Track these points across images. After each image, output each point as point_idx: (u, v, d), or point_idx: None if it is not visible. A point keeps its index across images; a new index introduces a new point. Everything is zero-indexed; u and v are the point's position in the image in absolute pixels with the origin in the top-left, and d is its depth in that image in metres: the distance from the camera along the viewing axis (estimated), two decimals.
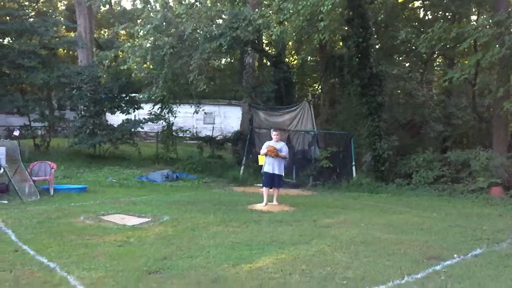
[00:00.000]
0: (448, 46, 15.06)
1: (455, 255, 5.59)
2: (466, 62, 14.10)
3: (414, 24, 20.73)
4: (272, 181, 9.94)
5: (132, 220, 7.84)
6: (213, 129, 29.06)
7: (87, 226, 7.25)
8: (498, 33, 11.69)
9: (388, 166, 15.54)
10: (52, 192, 10.79)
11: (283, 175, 10.19)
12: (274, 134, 10.10)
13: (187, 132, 18.99)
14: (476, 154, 14.34)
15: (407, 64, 21.15)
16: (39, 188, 10.78)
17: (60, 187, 11.53)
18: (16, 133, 11.17)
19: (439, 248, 6.04)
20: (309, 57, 20.29)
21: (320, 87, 22.41)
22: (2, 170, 10.00)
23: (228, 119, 28.51)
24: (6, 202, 9.38)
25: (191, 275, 4.76)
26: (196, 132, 26.68)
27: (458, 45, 12.44)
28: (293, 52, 22.09)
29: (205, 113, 27.39)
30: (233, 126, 27.39)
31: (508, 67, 12.93)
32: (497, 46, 11.41)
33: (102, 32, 32.33)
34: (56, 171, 12.44)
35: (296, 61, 20.32)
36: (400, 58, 21.77)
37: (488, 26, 11.86)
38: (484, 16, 11.64)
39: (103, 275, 4.68)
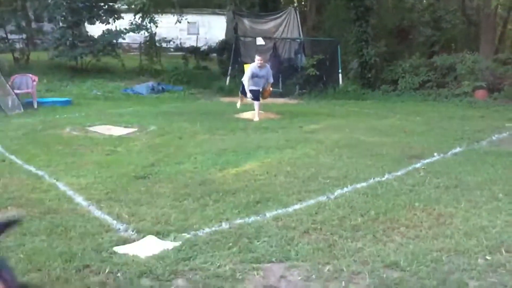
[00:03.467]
0: None
1: (435, 154, 5.76)
2: None
3: None
4: (258, 93, 9.70)
5: (119, 131, 7.86)
6: (197, 40, 28.31)
7: (74, 137, 7.27)
8: None
9: (374, 72, 15.47)
10: (35, 105, 10.68)
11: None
12: (257, 59, 9.64)
13: (171, 42, 18.39)
14: (463, 58, 14.31)
15: None
16: (23, 102, 10.62)
17: (44, 100, 11.38)
18: None
19: (420, 148, 6.21)
20: None
21: None
22: None
23: (212, 29, 27.60)
24: None
25: (179, 179, 4.87)
26: (180, 43, 25.99)
27: None
28: None
29: (189, 22, 26.47)
30: (218, 36, 26.60)
31: None
32: None
33: None
34: (38, 84, 12.22)
35: None
36: None
37: None
38: None
39: (92, 181, 4.77)
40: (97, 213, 3.81)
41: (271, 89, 10.02)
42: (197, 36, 27.32)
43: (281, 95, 14.41)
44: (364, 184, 4.56)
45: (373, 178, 4.70)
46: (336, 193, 4.28)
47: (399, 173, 4.91)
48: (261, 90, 9.66)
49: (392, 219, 3.61)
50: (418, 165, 5.23)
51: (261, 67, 9.64)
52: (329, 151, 6.18)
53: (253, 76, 9.54)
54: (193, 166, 5.49)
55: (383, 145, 6.45)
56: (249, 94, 9.56)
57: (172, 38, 20.97)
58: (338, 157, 5.78)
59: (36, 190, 4.38)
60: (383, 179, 4.73)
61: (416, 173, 4.91)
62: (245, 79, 9.60)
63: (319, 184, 4.61)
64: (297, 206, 3.97)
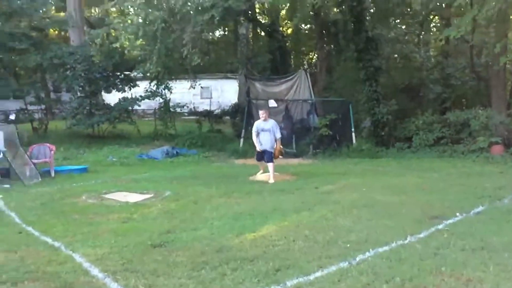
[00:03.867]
0: (443, 4, 14.78)
1: (457, 214, 5.62)
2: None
3: None
4: (262, 155, 9.83)
5: (134, 197, 7.85)
6: (210, 104, 28.93)
7: (90, 205, 7.27)
8: None
9: (387, 130, 15.52)
10: (53, 174, 10.80)
11: (273, 151, 9.85)
12: (261, 113, 9.94)
13: (185, 107, 18.83)
14: (476, 113, 14.31)
15: (403, 27, 20.83)
16: (40, 171, 10.77)
17: (61, 168, 11.53)
18: (12, 117, 11.12)
19: (441, 207, 6.07)
20: (303, 25, 19.97)
21: (316, 54, 22.18)
22: (1, 154, 9.98)
23: (225, 92, 28.30)
24: (8, 186, 9.37)
25: (196, 246, 4.78)
26: (194, 107, 26.59)
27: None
28: (287, 21, 21.69)
29: (202, 87, 27.21)
30: (231, 99, 27.19)
31: (505, 21, 12.76)
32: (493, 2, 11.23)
33: (92, 11, 31.88)
34: (56, 153, 12.43)
35: (290, 29, 19.96)
36: (398, 21, 21.46)
37: None
38: None
39: (108, 251, 4.70)
40: (113, 285, 3.73)
41: (281, 147, 10.00)
42: (210, 100, 27.97)
43: (295, 156, 14.44)
44: (386, 248, 4.42)
45: (395, 242, 4.56)
46: (358, 259, 4.14)
47: (421, 235, 4.77)
48: (272, 150, 9.73)
49: (419, 286, 3.46)
50: (440, 226, 5.08)
51: (265, 120, 9.83)
52: (347, 212, 6.08)
53: (259, 130, 9.76)
54: (210, 232, 5.41)
55: (402, 204, 6.33)
56: (259, 155, 9.76)
57: (186, 103, 21.50)
58: (357, 219, 5.67)
59: (53, 262, 4.32)
60: (406, 242, 4.59)
61: (440, 235, 4.76)
62: (253, 137, 9.82)
63: (340, 248, 4.49)
64: (318, 274, 3.83)
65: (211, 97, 30.30)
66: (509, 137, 13.52)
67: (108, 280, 3.85)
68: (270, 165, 9.47)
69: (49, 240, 5.16)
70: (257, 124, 9.89)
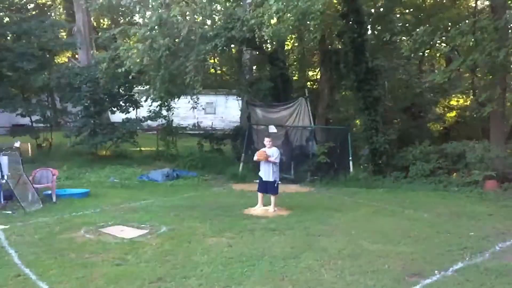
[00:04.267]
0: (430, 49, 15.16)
1: (436, 271, 5.84)
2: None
3: (411, 11, 20.62)
4: (266, 187, 10.16)
5: (130, 233, 8.12)
6: (214, 120, 29.32)
7: (87, 241, 7.54)
8: (480, 39, 11.80)
9: (385, 159, 15.74)
10: (54, 199, 11.10)
11: (277, 180, 10.29)
12: (267, 141, 10.31)
13: (187, 128, 19.20)
14: (472, 146, 14.52)
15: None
16: (42, 195, 11.10)
17: (62, 192, 11.82)
18: (17, 144, 11.44)
19: (422, 262, 6.29)
20: (306, 51, 20.32)
21: (319, 77, 22.48)
22: (4, 180, 10.30)
23: (228, 108, 28.68)
24: (10, 212, 9.69)
25: None
26: (197, 122, 26.91)
27: (442, 47, 12.56)
28: (294, 45, 22.04)
29: (206, 103, 27.60)
30: (234, 115, 27.60)
31: (491, 73, 13.09)
32: (477, 52, 11.57)
33: (101, 24, 32.42)
34: (59, 171, 12.76)
35: (293, 52, 20.31)
36: (397, 46, 21.78)
37: (471, 33, 11.92)
38: (467, 22, 11.68)
39: None
40: None
41: (267, 155, 10.19)
42: (214, 116, 28.39)
43: (293, 182, 14.73)
44: None
45: None
46: None
47: None
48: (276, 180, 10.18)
49: None
50: (417, 287, 5.30)
51: (270, 148, 10.19)
52: (332, 263, 6.31)
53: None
54: (198, 282, 5.66)
55: (386, 256, 6.55)
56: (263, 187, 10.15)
57: (189, 119, 21.85)
58: (340, 272, 5.90)
59: None
60: None
61: None
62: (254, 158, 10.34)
63: None
64: None
65: (215, 113, 30.73)
66: (504, 172, 13.70)
67: None
68: (273, 197, 9.98)
69: (45, 287, 5.43)
70: (272, 152, 10.16)
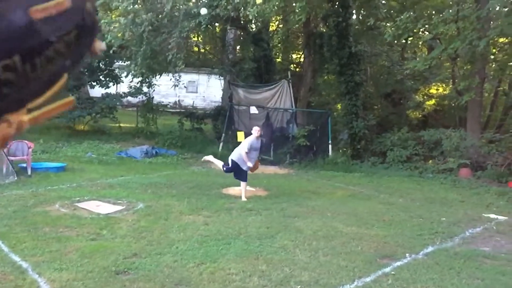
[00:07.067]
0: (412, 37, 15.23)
1: (407, 254, 5.99)
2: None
3: None
4: (232, 171, 9.73)
5: (106, 208, 8.08)
6: (195, 99, 29.08)
7: (62, 215, 7.47)
8: (462, 28, 11.92)
9: (364, 144, 15.93)
10: (29, 172, 10.92)
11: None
12: (256, 130, 9.66)
13: (169, 105, 19.05)
14: (448, 134, 14.79)
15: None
16: (17, 167, 10.91)
17: (38, 165, 11.63)
18: None
19: (394, 245, 6.43)
20: (290, 33, 20.22)
21: (302, 60, 22.44)
22: None
23: (210, 88, 28.45)
24: None
25: (157, 276, 5.06)
26: (178, 100, 26.69)
27: (425, 35, 12.63)
28: (279, 26, 21.88)
29: (188, 81, 27.36)
30: (215, 95, 27.44)
31: (471, 62, 13.25)
32: (458, 41, 11.69)
33: None
34: (35, 144, 12.53)
35: (277, 34, 20.18)
36: (381, 32, 21.85)
37: (454, 21, 12.02)
38: (450, 11, 11.76)
39: (73, 276, 4.95)
40: None
41: (258, 163, 10.21)
42: (196, 95, 28.14)
43: (271, 163, 14.78)
44: None
45: (343, 286, 4.90)
46: None
47: (368, 279, 5.11)
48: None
49: None
50: (388, 269, 5.43)
51: (258, 138, 9.61)
52: (307, 243, 6.41)
53: (252, 149, 9.44)
54: (173, 258, 5.68)
55: (360, 239, 6.67)
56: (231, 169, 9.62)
57: (171, 98, 21.65)
58: (314, 253, 5.99)
59: None
60: (352, 286, 4.93)
61: (385, 280, 5.11)
62: (244, 154, 9.37)
63: None
64: None
65: (196, 92, 30.49)
66: (478, 161, 14.01)
67: None
68: (243, 184, 9.48)
69: (17, 259, 5.38)
70: (252, 142, 9.49)
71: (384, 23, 18.68)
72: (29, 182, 10.04)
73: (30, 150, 11.44)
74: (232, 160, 9.65)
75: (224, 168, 9.88)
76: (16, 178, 10.26)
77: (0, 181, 9.76)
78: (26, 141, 11.75)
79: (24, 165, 11.19)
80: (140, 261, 5.52)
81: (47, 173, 11.16)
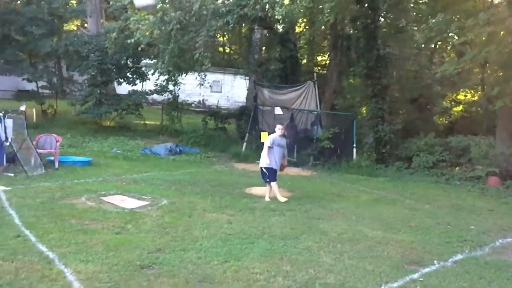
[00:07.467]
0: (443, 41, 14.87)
1: (435, 261, 5.83)
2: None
3: (426, 1, 20.28)
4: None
5: (131, 203, 8.13)
6: (219, 98, 29.15)
7: (88, 208, 7.55)
8: (495, 32, 11.59)
9: (389, 148, 15.68)
10: (56, 165, 11.10)
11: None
12: (279, 128, 9.58)
13: (193, 104, 19.15)
14: (477, 141, 14.44)
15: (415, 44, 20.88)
16: (45, 160, 11.11)
17: (65, 159, 11.82)
18: (23, 107, 11.40)
19: (421, 251, 6.28)
20: (317, 34, 20.06)
21: (328, 62, 22.30)
22: (9, 142, 10.30)
23: (235, 88, 28.49)
24: (12, 175, 9.71)
25: (181, 272, 5.04)
26: (202, 100, 26.81)
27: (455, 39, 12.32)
28: (306, 27, 21.75)
29: (213, 81, 27.44)
30: (240, 95, 27.46)
31: (506, 67, 12.88)
32: (493, 46, 11.37)
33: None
34: (62, 139, 12.77)
35: (304, 35, 20.05)
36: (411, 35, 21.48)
37: (487, 24, 11.67)
38: (484, 13, 11.42)
39: (98, 269, 4.97)
40: None
41: (286, 162, 10.11)
42: (220, 95, 28.22)
43: (295, 165, 14.68)
44: None
45: None
46: None
47: (395, 285, 4.99)
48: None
49: None
50: (416, 275, 5.30)
51: (281, 136, 9.50)
52: (332, 246, 6.31)
53: (275, 145, 9.28)
54: (197, 255, 5.66)
55: (386, 243, 6.54)
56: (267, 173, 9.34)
57: (195, 96, 21.76)
58: (339, 256, 5.89)
59: (45, 279, 4.59)
60: None
61: (413, 286, 4.99)
62: (265, 151, 9.28)
63: None
64: None
65: (221, 91, 30.57)
66: (507, 169, 13.63)
67: None
68: (274, 184, 9.30)
69: (45, 250, 5.44)
70: (274, 138, 9.38)
71: (414, 26, 18.38)
72: (56, 175, 10.19)
73: (58, 144, 11.64)
74: (261, 168, 9.54)
75: (266, 180, 9.51)
76: (43, 171, 10.44)
77: (29, 173, 9.92)
78: (54, 135, 11.97)
79: (52, 158, 11.39)
80: (164, 257, 5.52)
81: (74, 167, 11.33)
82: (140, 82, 17.26)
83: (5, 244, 5.54)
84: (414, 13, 19.50)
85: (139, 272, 5.02)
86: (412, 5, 18.48)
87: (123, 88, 18.44)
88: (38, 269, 4.85)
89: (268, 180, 9.36)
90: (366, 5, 14.80)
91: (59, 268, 4.94)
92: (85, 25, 24.65)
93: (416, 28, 18.55)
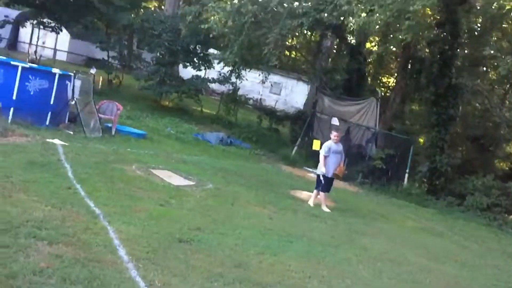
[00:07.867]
0: None
1: None
2: None
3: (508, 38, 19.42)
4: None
5: (178, 180, 8.22)
6: (277, 100, 29.10)
7: (137, 176, 7.69)
8: None
9: (443, 181, 15.05)
10: (113, 132, 11.41)
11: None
12: (335, 134, 9.37)
13: (251, 101, 19.23)
14: None
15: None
16: (103, 126, 11.44)
17: (122, 128, 12.13)
18: (93, 71, 11.82)
19: (466, 286, 5.94)
20: (388, 53, 19.63)
21: (394, 82, 21.78)
22: (74, 101, 10.71)
23: (294, 93, 28.38)
24: (71, 133, 10.07)
25: (217, 254, 5.01)
26: (260, 99, 26.88)
27: None
28: (378, 41, 21.35)
29: (274, 82, 27.47)
30: (297, 101, 27.29)
31: None
32: None
33: None
34: (122, 111, 13.13)
35: (375, 48, 19.69)
36: (487, 70, 20.58)
37: None
38: None
39: (139, 233, 5.03)
40: (134, 273, 4.01)
41: (344, 167, 9.78)
42: (278, 97, 28.18)
43: (342, 179, 14.35)
44: None
45: None
46: None
47: None
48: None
49: None
50: None
51: (336, 143, 9.27)
52: (371, 262, 6.08)
53: (331, 152, 9.00)
54: (235, 241, 5.62)
55: (429, 272, 6.24)
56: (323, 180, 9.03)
57: (254, 95, 21.86)
58: (378, 274, 5.67)
59: (89, 231, 4.69)
60: None
61: None
62: (322, 160, 9.01)
63: None
64: None
65: (279, 94, 30.54)
66: None
67: (131, 265, 4.15)
68: (324, 194, 9.07)
69: (92, 205, 5.58)
70: (330, 145, 9.11)
71: (491, 63, 17.65)
72: (111, 141, 10.48)
73: (119, 112, 11.98)
74: (317, 175, 9.36)
75: (319, 188, 9.20)
76: (101, 135, 10.76)
77: (87, 134, 10.26)
78: (116, 103, 12.32)
79: (110, 125, 11.71)
80: (203, 236, 5.51)
81: (129, 137, 11.59)
82: (204, 69, 17.50)
83: (56, 193, 5.72)
84: (492, 51, 18.72)
85: (177, 244, 5.04)
86: (494, 38, 17.77)
87: (186, 72, 18.75)
88: (83, 221, 4.96)
89: (321, 189, 9.12)
90: (447, 30, 14.27)
91: (103, 224, 5.03)
92: (162, 7, 25.36)
93: (494, 64, 17.79)
